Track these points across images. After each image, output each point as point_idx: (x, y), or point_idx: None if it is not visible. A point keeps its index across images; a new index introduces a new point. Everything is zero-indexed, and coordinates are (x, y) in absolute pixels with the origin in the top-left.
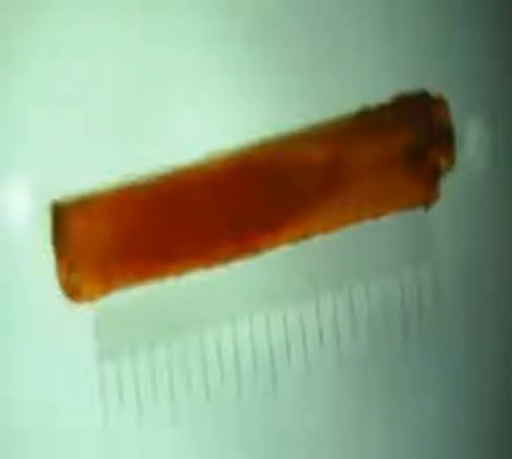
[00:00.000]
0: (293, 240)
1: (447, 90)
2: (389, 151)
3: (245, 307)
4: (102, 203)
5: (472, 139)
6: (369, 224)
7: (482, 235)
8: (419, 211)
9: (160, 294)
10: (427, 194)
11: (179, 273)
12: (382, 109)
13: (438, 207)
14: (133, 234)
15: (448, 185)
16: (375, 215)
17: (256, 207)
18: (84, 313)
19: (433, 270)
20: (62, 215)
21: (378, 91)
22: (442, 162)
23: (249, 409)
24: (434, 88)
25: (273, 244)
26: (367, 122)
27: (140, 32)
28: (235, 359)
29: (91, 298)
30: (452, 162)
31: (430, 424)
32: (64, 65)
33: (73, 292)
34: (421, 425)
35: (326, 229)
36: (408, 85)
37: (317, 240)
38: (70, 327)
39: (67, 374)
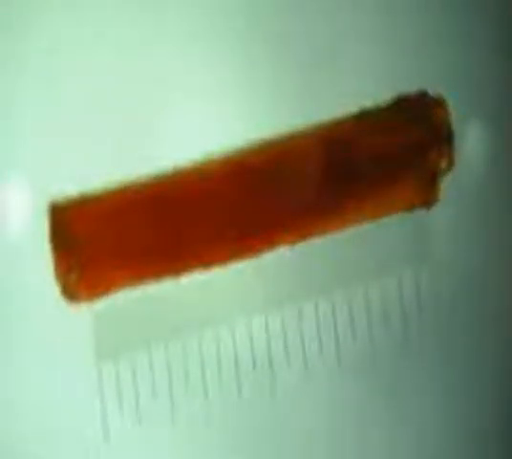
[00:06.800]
0: (292, 241)
1: (447, 90)
2: (389, 152)
3: (244, 307)
4: (101, 203)
5: (472, 139)
6: (368, 225)
7: (482, 235)
8: (419, 212)
9: (158, 295)
10: (427, 195)
11: (177, 273)
12: (382, 110)
13: (438, 207)
14: (131, 235)
15: (448, 185)
16: (375, 216)
17: (255, 208)
18: (83, 314)
19: (433, 270)
20: (61, 216)
21: (378, 91)
22: (442, 162)
23: (248, 409)
24: (433, 88)
25: (272, 245)
26: (366, 123)
27: (140, 33)
28: (234, 359)
29: (89, 299)
30: (451, 162)
31: (430, 424)
32: (64, 65)
33: (71, 293)
34: (421, 425)
35: (325, 231)
36: (408, 85)
37: (317, 241)
38: (68, 328)
39: (66, 375)
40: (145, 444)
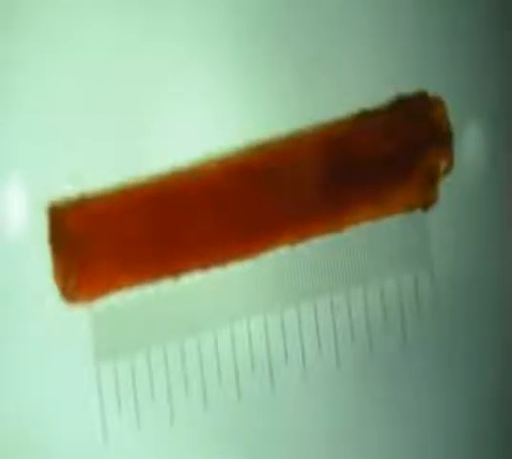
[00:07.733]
0: (291, 242)
1: (447, 91)
2: (388, 152)
3: (242, 308)
4: (100, 204)
5: (471, 139)
6: (367, 226)
7: (482, 236)
8: (418, 213)
9: (157, 295)
10: (426, 195)
11: (176, 274)
12: (381, 110)
13: (438, 207)
14: (130, 236)
15: (447, 186)
16: (374, 217)
17: (254, 209)
18: (82, 314)
19: (432, 271)
20: (60, 217)
21: (378, 92)
22: (442, 162)
23: (247, 410)
24: (433, 89)
25: (271, 246)
26: (366, 124)
27: (140, 33)
28: (233, 360)
29: (88, 300)
30: (450, 163)
31: (429, 424)
32: (64, 66)
33: (70, 293)
34: (421, 425)
35: (324, 232)
36: (407, 86)
37: (315, 242)
38: (67, 329)
39: (64, 375)
40: (144, 444)
